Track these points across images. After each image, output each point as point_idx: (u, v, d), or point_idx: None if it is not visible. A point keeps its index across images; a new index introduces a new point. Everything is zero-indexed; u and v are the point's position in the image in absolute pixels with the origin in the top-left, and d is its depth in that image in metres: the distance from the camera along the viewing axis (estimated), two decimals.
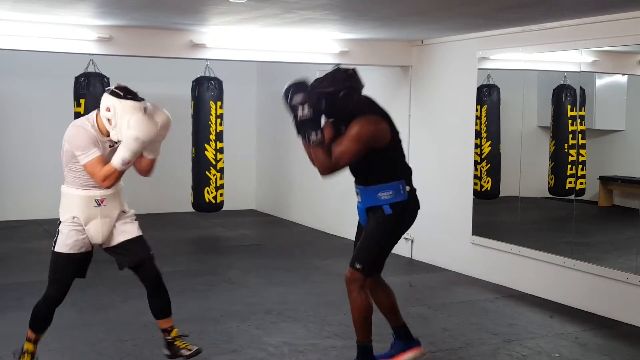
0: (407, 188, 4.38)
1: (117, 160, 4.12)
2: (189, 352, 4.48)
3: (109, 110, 4.11)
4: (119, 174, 4.18)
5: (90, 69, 7.93)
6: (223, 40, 7.27)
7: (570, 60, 6.52)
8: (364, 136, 4.17)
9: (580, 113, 7.01)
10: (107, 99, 4.14)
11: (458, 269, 7.44)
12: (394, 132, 4.41)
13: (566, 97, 7.28)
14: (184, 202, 9.78)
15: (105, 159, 4.17)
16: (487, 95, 7.50)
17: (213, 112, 8.61)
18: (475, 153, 7.33)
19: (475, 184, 7.36)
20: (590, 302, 5.99)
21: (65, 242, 4.31)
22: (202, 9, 5.83)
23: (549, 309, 6.08)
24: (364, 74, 9.33)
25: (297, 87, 4.31)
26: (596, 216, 7.65)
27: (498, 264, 6.97)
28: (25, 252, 8.24)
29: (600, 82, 7.44)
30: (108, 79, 8.00)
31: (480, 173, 7.47)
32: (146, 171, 4.45)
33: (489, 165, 7.50)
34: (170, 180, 10.69)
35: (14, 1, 5.47)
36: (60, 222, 4.35)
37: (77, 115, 7.88)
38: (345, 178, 9.77)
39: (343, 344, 5.13)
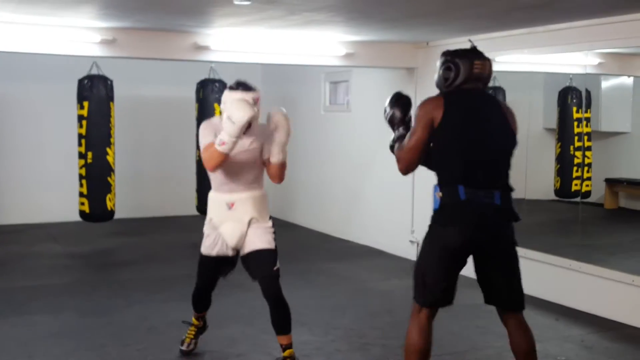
0: (440, 194, 3.70)
1: (217, 140, 4.13)
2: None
3: (223, 104, 4.26)
4: (218, 156, 4.12)
5: (94, 72, 7.94)
6: (227, 43, 7.25)
7: (576, 62, 6.51)
8: (417, 120, 3.74)
9: (586, 115, 6.99)
10: (223, 95, 4.32)
11: (464, 272, 7.36)
12: (448, 117, 3.65)
13: (572, 99, 7.27)
14: (188, 205, 9.76)
15: (235, 157, 4.24)
16: None
17: (218, 114, 8.58)
18: None
19: None
20: (596, 305, 5.97)
21: (204, 243, 4.49)
22: (206, 10, 5.82)
23: (555, 312, 6.06)
24: (369, 76, 9.39)
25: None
26: (602, 218, 7.64)
27: None
28: (28, 256, 8.23)
29: (606, 84, 7.42)
30: (111, 81, 8.01)
31: None
32: (274, 177, 4.52)
33: None
34: (174, 183, 10.69)
35: (17, 3, 5.46)
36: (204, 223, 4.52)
37: (81, 117, 7.89)
38: (348, 180, 9.75)
39: (348, 347, 5.11)
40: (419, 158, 3.75)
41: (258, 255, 4.42)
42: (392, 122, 4.08)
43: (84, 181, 7.92)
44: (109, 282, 7.02)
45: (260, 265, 4.44)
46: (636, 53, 6.44)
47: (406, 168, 3.81)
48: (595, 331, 5.57)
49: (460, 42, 7.34)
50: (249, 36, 7.22)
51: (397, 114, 4.05)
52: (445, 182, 3.68)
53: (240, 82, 4.35)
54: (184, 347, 4.88)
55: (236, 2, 4.97)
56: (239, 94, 4.23)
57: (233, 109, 4.10)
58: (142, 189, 10.74)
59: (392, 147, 4.01)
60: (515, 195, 3.76)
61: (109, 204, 7.98)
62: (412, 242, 8.14)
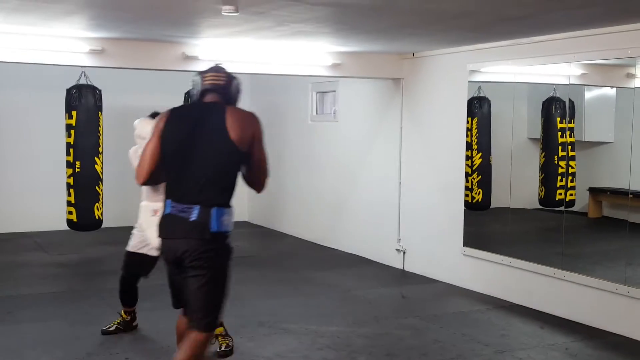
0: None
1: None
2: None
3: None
4: None
5: (83, 81, 7.94)
6: (216, 53, 7.29)
7: (559, 73, 6.58)
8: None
9: (569, 125, 7.06)
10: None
11: (449, 280, 7.47)
12: (167, 132, 3.68)
13: (556, 109, 7.34)
14: None
15: None
16: (478, 108, 7.54)
17: None
18: (466, 165, 7.37)
19: (467, 195, 7.40)
20: (581, 313, 6.03)
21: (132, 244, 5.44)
22: (194, 21, 5.86)
23: (540, 320, 6.11)
24: (356, 86, 9.45)
25: None
26: (586, 227, 7.69)
27: (489, 275, 7.00)
28: (15, 265, 8.21)
29: (589, 94, 7.49)
30: (100, 91, 8.02)
31: (471, 184, 7.50)
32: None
33: (480, 176, 7.54)
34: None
35: (6, 13, 5.48)
36: None
37: (69, 127, 7.90)
38: (336, 189, 9.80)
39: (335, 355, 5.14)
40: (153, 167, 3.70)
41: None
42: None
43: (72, 190, 7.91)
44: (97, 290, 7.02)
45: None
46: (619, 64, 6.52)
47: (142, 177, 3.77)
48: (580, 339, 5.62)
49: (446, 53, 7.45)
50: (237, 46, 7.27)
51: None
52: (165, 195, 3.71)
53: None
54: (104, 327, 5.56)
55: (224, 13, 5.00)
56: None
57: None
58: (130, 198, 10.68)
59: None
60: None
61: (96, 213, 7.98)
62: (398, 250, 8.20)
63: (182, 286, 3.76)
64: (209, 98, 3.78)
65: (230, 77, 3.83)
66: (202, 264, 3.60)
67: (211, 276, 3.65)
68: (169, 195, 3.66)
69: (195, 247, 3.57)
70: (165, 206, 3.67)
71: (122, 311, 5.61)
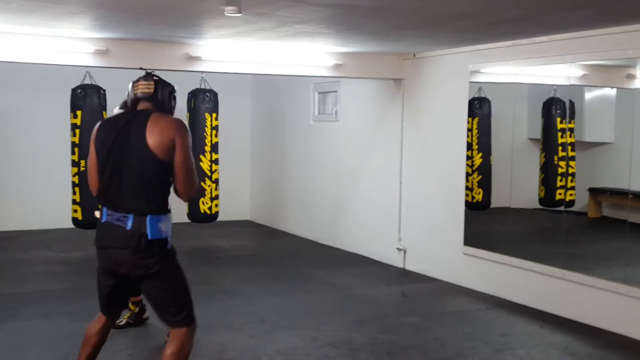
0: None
1: None
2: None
3: None
4: None
5: (87, 81, 8.01)
6: (219, 53, 7.34)
7: (560, 73, 6.60)
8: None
9: (569, 126, 7.10)
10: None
11: (450, 279, 7.50)
12: (98, 142, 3.75)
13: (556, 109, 7.37)
14: (179, 213, 9.78)
15: None
16: (479, 108, 7.58)
17: (208, 123, 8.67)
18: (467, 165, 7.40)
19: (467, 195, 7.43)
20: (580, 312, 6.06)
21: None
22: (198, 22, 5.90)
23: (540, 319, 6.14)
24: (357, 87, 9.50)
25: None
26: (586, 227, 7.72)
27: (489, 274, 7.03)
28: (20, 262, 8.27)
29: (589, 95, 7.52)
30: (104, 91, 8.08)
31: (472, 184, 7.54)
32: None
33: (480, 176, 7.57)
34: None
35: (11, 14, 5.52)
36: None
37: (74, 126, 7.97)
38: (337, 188, 9.84)
39: (337, 353, 5.18)
40: (94, 178, 3.74)
41: None
42: None
43: (77, 189, 7.98)
44: None
45: None
46: (619, 65, 6.55)
47: (94, 190, 3.78)
48: (580, 338, 5.65)
49: (447, 54, 7.48)
50: (240, 47, 7.31)
51: None
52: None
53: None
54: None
55: (227, 14, 5.04)
56: None
57: None
58: None
59: None
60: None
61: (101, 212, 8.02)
62: (399, 249, 8.24)
63: (110, 293, 3.83)
64: (140, 106, 3.81)
65: (159, 85, 3.83)
66: (147, 272, 3.63)
67: (162, 279, 3.68)
68: (105, 203, 3.68)
69: (132, 256, 3.60)
70: (102, 214, 3.69)
71: (130, 303, 5.56)
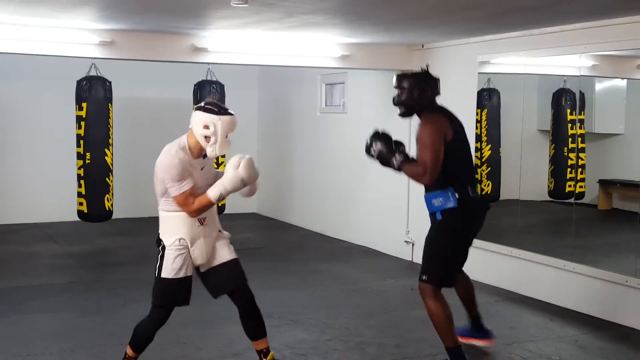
0: (457, 195, 4.45)
1: (214, 194, 4.06)
2: None
3: (208, 128, 4.04)
4: (209, 206, 4.12)
5: (93, 73, 7.97)
6: (225, 44, 7.30)
7: (570, 64, 6.55)
8: (431, 135, 4.50)
9: (579, 117, 7.03)
10: (203, 117, 4.06)
11: None
12: (455, 134, 4.55)
13: (566, 101, 7.31)
14: None
15: (196, 182, 4.09)
16: (488, 99, 7.52)
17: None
18: (476, 157, 7.35)
19: None
20: (590, 305, 6.02)
21: (172, 267, 4.12)
22: (203, 13, 5.86)
23: (549, 312, 6.11)
24: (365, 78, 9.43)
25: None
26: (596, 219, 7.67)
27: (498, 267, 6.99)
28: (25, 255, 8.27)
29: (599, 86, 7.46)
30: (110, 82, 8.05)
31: (481, 176, 7.49)
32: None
33: (490, 168, 7.52)
34: None
35: (16, 5, 5.50)
36: (163, 246, 4.15)
37: (79, 118, 7.93)
38: (344, 181, 9.81)
39: (344, 347, 5.15)
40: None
41: (229, 266, 4.30)
42: (383, 155, 4.74)
43: (82, 181, 7.95)
44: (106, 281, 7.06)
45: (233, 277, 4.31)
46: (630, 55, 6.49)
47: (433, 178, 4.41)
48: (589, 331, 5.62)
49: (455, 45, 7.43)
50: (246, 38, 7.27)
51: (383, 147, 4.76)
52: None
53: (218, 104, 4.21)
54: None
55: (234, 5, 5.00)
56: (232, 119, 4.18)
57: (248, 170, 4.11)
58: (140, 189, 10.75)
59: (398, 169, 4.64)
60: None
61: (107, 204, 8.02)
62: (407, 242, 8.20)
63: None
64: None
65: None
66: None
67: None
68: (454, 184, 4.48)
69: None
70: (453, 193, 4.46)
71: (130, 353, 4.41)
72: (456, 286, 4.97)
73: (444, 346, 4.53)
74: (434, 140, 4.40)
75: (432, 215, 4.57)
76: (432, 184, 4.43)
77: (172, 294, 4.20)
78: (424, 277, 4.52)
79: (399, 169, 4.60)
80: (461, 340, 4.72)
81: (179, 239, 4.11)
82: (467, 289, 5.10)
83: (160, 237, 4.17)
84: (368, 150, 4.82)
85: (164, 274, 4.12)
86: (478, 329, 5.10)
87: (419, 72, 4.73)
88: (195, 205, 4.05)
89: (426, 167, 4.35)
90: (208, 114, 4.06)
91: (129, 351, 4.32)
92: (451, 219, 4.49)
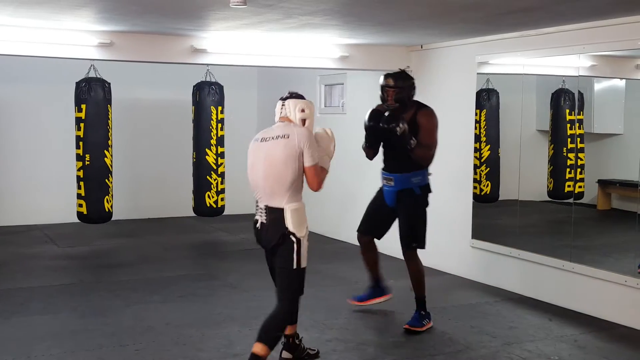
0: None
1: (328, 165, 4.81)
2: (313, 352, 4.91)
3: (304, 111, 4.69)
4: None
5: (92, 75, 7.97)
6: (224, 46, 7.30)
7: (568, 64, 6.55)
8: (437, 125, 5.62)
9: (578, 117, 7.04)
10: (296, 103, 4.72)
11: (458, 273, 7.47)
12: None
13: (565, 101, 7.31)
14: (185, 207, 9.81)
15: None
16: (487, 100, 7.53)
17: (214, 116, 8.63)
18: (475, 157, 7.36)
19: (475, 187, 7.39)
20: (589, 305, 6.03)
21: (306, 256, 4.59)
22: (202, 14, 5.87)
23: (549, 312, 6.12)
24: (364, 79, 9.43)
25: (375, 113, 5.73)
26: (595, 219, 7.67)
27: (498, 267, 7.00)
28: (25, 257, 8.26)
29: (598, 86, 7.46)
30: (109, 84, 8.05)
31: (480, 177, 7.49)
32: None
33: (489, 169, 7.52)
34: (171, 184, 10.73)
35: (15, 7, 5.50)
36: (298, 239, 4.56)
37: (79, 120, 7.93)
38: (344, 181, 9.80)
39: (344, 347, 5.16)
40: None
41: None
42: (405, 134, 5.40)
43: (82, 183, 7.96)
44: (107, 283, 7.06)
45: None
46: (628, 56, 6.49)
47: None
48: (589, 331, 5.62)
49: (454, 45, 7.43)
50: (245, 39, 7.27)
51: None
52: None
53: (297, 93, 4.81)
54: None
55: (233, 6, 5.00)
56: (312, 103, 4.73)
57: (331, 144, 4.87)
58: (140, 190, 10.79)
59: (411, 149, 5.42)
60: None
61: (106, 206, 8.02)
62: None
63: None
64: None
65: None
66: None
67: None
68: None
69: None
70: (427, 172, 5.78)
71: (293, 332, 4.87)
72: (368, 253, 5.97)
73: (419, 295, 5.65)
74: (437, 129, 5.56)
75: (409, 190, 5.63)
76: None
77: (303, 281, 4.65)
78: (414, 245, 5.65)
79: (412, 149, 5.38)
80: (366, 304, 5.97)
81: (308, 230, 4.61)
82: (377, 254, 6.05)
83: (292, 230, 4.51)
84: (389, 124, 5.46)
85: (303, 264, 4.55)
86: (381, 289, 6.09)
87: (404, 72, 5.60)
88: (322, 177, 4.70)
89: (435, 151, 5.48)
90: (300, 100, 4.73)
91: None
92: (426, 193, 5.67)
